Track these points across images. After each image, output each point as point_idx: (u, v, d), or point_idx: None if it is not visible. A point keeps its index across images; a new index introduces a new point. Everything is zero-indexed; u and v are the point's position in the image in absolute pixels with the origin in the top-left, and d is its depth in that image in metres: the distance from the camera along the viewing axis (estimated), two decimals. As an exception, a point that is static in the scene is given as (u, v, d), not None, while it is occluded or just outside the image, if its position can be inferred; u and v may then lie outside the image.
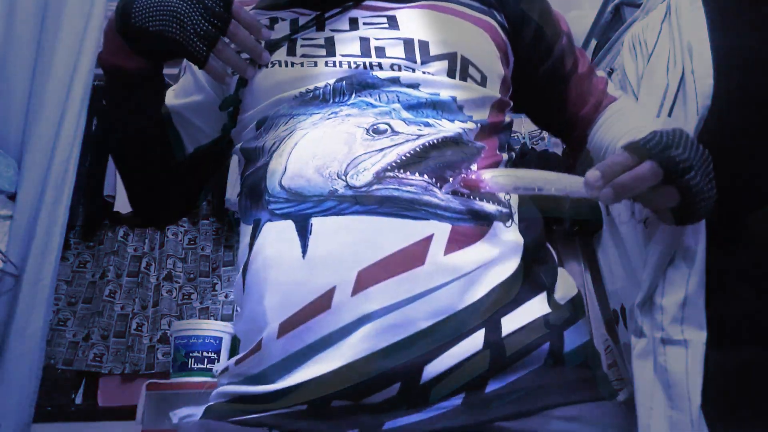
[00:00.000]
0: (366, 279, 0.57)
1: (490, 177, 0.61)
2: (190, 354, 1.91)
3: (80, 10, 1.45)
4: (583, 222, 1.34)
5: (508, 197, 0.67)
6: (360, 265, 0.58)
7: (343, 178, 0.61)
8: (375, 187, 0.60)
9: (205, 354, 1.91)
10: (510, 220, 0.66)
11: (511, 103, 0.79)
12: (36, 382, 1.26)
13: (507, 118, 0.77)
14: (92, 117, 2.54)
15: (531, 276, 0.64)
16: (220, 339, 1.96)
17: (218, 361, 1.94)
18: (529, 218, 0.69)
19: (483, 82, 0.73)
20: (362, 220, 0.60)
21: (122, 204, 2.46)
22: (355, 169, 0.61)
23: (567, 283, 0.69)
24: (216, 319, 2.41)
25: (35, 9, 1.44)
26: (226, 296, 2.55)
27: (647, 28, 1.03)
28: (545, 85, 0.85)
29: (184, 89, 0.84)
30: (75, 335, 2.42)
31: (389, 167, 0.61)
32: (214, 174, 0.91)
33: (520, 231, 0.66)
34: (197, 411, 0.68)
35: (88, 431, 2.27)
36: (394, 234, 0.59)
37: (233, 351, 2.03)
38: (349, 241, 0.59)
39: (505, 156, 0.73)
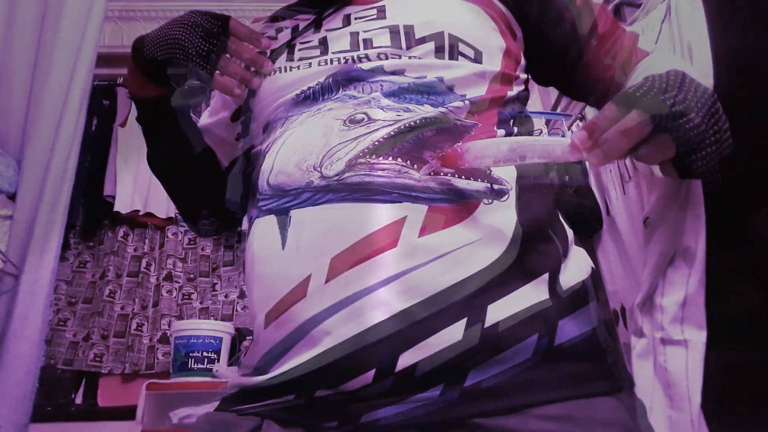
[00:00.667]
0: (338, 265, 0.57)
1: (467, 151, 0.58)
2: (190, 354, 1.91)
3: (80, 10, 1.45)
4: (583, 222, 1.33)
5: (500, 171, 0.62)
6: (333, 252, 0.58)
7: (319, 169, 0.62)
8: (347, 174, 0.60)
9: (205, 354, 1.91)
10: (504, 197, 0.62)
11: (521, 76, 0.77)
12: (34, 381, 1.26)
13: (514, 91, 0.73)
14: (92, 117, 2.55)
15: (527, 260, 0.59)
16: (220, 339, 1.96)
17: (218, 361, 1.93)
18: (530, 193, 0.64)
19: (478, 58, 0.71)
20: (334, 208, 0.60)
21: (122, 204, 2.46)
22: (329, 159, 0.62)
23: (575, 267, 0.64)
24: (216, 319, 2.41)
25: (35, 9, 1.45)
26: (226, 296, 2.54)
27: (647, 28, 1.03)
28: (550, 72, 0.84)
29: (215, 109, 0.89)
30: (75, 335, 2.42)
31: (361, 154, 0.61)
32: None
33: (518, 208, 0.62)
34: (197, 411, 0.69)
35: (88, 431, 2.27)
36: (365, 219, 0.58)
37: (233, 350, 2.03)
38: (322, 230, 0.59)
39: (501, 132, 0.69)
